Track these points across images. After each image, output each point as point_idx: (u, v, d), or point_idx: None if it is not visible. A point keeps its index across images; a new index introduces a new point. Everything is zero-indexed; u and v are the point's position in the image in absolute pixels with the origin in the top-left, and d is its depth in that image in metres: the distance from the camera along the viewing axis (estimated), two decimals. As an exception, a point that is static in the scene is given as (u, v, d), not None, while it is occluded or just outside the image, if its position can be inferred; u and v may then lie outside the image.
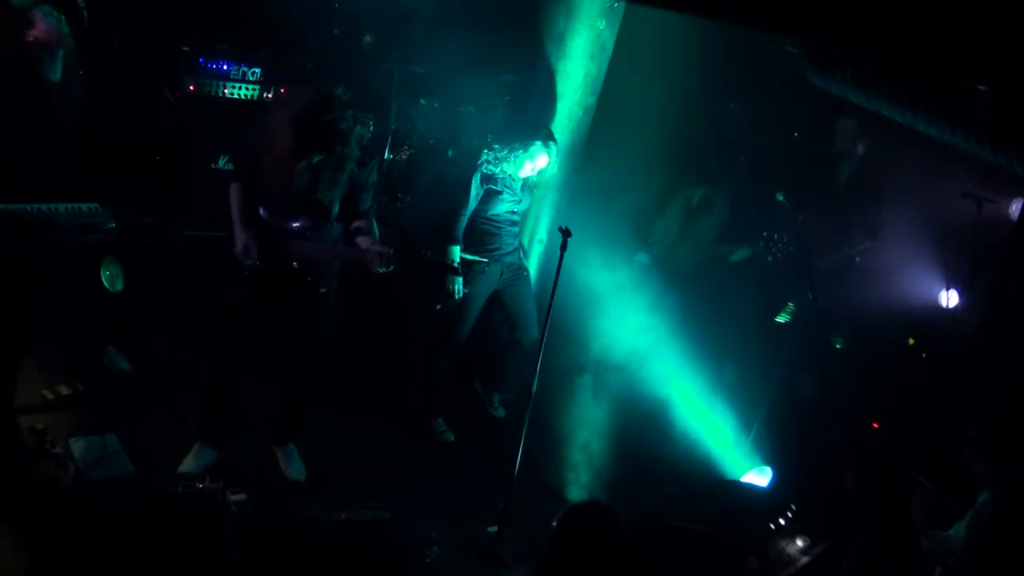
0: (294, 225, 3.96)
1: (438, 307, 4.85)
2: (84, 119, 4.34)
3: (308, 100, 3.77)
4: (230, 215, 4.00)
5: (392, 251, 3.91)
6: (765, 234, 5.91)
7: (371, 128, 6.35)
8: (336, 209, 3.98)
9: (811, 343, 5.84)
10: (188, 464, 4.23)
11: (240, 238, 3.95)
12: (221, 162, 5.35)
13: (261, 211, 3.97)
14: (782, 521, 4.38)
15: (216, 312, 4.19)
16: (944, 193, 5.56)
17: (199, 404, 4.32)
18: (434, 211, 5.04)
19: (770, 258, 5.96)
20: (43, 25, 4.03)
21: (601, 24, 5.35)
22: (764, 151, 6.50)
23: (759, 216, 6.15)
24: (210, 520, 3.74)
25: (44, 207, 4.02)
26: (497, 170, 4.75)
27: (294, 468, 4.39)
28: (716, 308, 6.41)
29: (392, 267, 3.92)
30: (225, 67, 5.25)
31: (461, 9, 5.91)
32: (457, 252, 4.75)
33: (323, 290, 4.12)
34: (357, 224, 4.05)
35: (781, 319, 5.65)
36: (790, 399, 5.66)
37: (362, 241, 4.03)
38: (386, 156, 6.26)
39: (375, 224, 4.12)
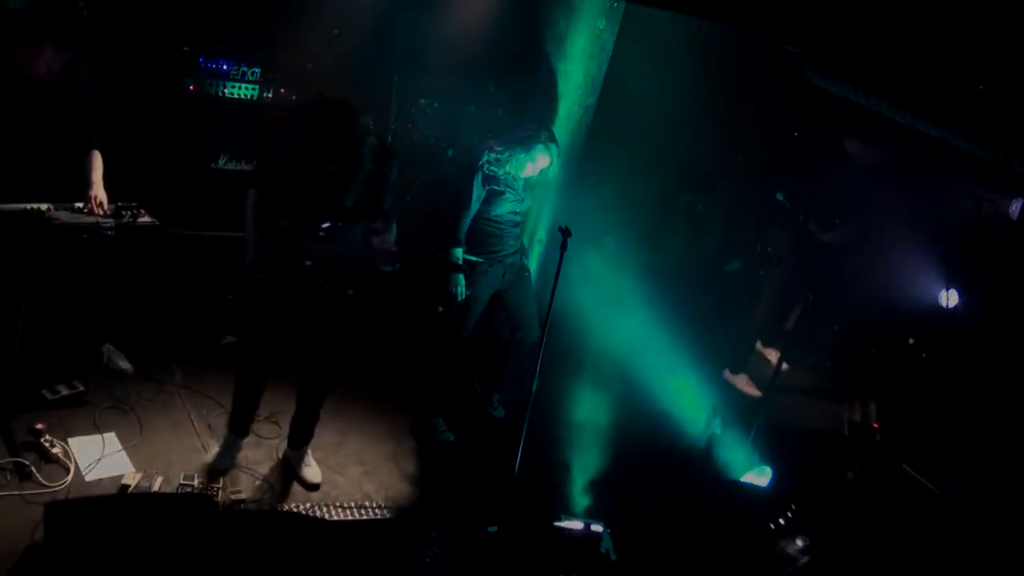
0: (315, 229, 3.92)
1: (440, 309, 4.84)
2: (82, 116, 4.33)
3: (318, 109, 3.72)
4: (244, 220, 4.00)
5: (395, 249, 3.91)
6: (759, 247, 5.94)
7: (371, 128, 6.33)
8: (351, 207, 3.92)
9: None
10: (221, 456, 4.33)
11: (251, 251, 3.98)
12: (221, 162, 5.35)
13: (281, 219, 3.94)
14: (782, 521, 4.38)
15: (243, 315, 4.18)
16: (944, 193, 5.56)
17: (233, 399, 4.37)
18: (435, 211, 5.04)
19: (762, 272, 5.99)
20: (50, 62, 4.04)
21: (601, 24, 5.35)
22: (764, 151, 6.51)
23: (757, 221, 6.18)
24: (209, 520, 3.74)
25: (44, 207, 4.02)
26: (499, 171, 4.73)
27: (311, 473, 4.41)
28: (718, 312, 6.45)
29: (398, 265, 3.92)
30: (225, 67, 5.25)
31: (462, 9, 5.91)
32: (460, 253, 4.74)
33: (350, 292, 4.10)
34: (375, 224, 4.04)
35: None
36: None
37: (373, 240, 4.03)
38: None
39: (393, 225, 4.09)
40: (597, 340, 5.86)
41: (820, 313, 6.15)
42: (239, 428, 4.39)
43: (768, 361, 6.45)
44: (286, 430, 4.50)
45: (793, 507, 4.42)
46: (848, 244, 5.85)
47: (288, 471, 4.41)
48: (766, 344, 6.54)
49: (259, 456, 4.48)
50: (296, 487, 4.35)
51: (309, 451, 4.45)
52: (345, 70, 5.76)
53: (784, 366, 5.44)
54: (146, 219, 4.25)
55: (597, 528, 4.17)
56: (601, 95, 5.63)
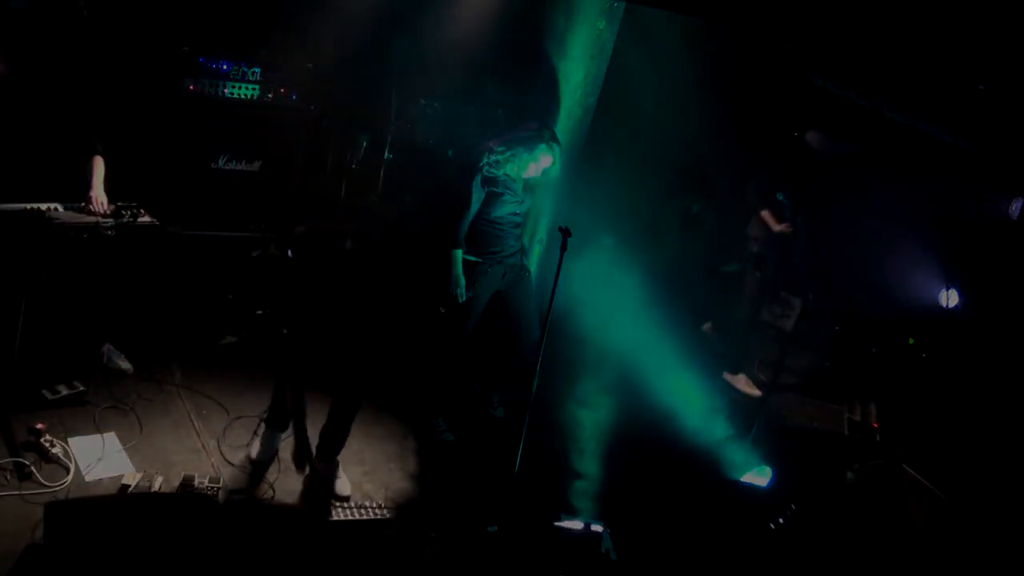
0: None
1: (442, 310, 4.84)
2: (83, 118, 4.34)
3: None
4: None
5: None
6: (757, 251, 5.93)
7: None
8: None
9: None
10: (260, 449, 4.39)
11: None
12: (221, 162, 5.36)
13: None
14: (782, 521, 4.38)
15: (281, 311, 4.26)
16: (944, 193, 5.57)
17: (273, 395, 4.41)
18: (435, 212, 5.04)
19: (759, 274, 5.99)
20: None
21: (601, 24, 5.35)
22: (763, 151, 6.51)
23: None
24: (209, 520, 3.74)
25: (44, 207, 4.02)
26: (499, 172, 4.72)
27: (341, 485, 4.36)
28: (715, 313, 6.45)
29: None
30: (225, 67, 5.26)
31: (462, 9, 5.91)
32: (459, 256, 4.73)
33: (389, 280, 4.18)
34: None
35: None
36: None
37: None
38: (386, 156, 6.26)
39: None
40: (597, 340, 5.87)
41: (818, 311, 6.16)
42: (278, 423, 4.43)
43: (759, 366, 6.46)
44: (287, 431, 4.50)
45: (793, 507, 4.42)
46: (799, 238, 5.84)
47: (288, 471, 4.40)
48: (752, 347, 6.53)
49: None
50: (296, 486, 4.35)
51: (340, 463, 4.39)
52: (345, 70, 5.77)
53: (783, 365, 5.45)
54: (146, 219, 4.25)
55: (597, 528, 4.17)
56: (601, 95, 5.62)
